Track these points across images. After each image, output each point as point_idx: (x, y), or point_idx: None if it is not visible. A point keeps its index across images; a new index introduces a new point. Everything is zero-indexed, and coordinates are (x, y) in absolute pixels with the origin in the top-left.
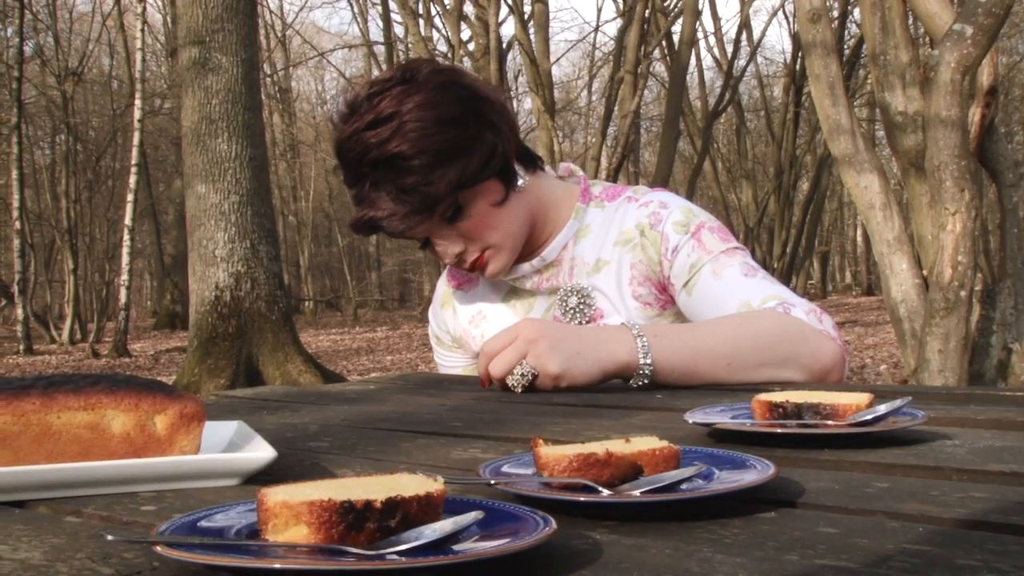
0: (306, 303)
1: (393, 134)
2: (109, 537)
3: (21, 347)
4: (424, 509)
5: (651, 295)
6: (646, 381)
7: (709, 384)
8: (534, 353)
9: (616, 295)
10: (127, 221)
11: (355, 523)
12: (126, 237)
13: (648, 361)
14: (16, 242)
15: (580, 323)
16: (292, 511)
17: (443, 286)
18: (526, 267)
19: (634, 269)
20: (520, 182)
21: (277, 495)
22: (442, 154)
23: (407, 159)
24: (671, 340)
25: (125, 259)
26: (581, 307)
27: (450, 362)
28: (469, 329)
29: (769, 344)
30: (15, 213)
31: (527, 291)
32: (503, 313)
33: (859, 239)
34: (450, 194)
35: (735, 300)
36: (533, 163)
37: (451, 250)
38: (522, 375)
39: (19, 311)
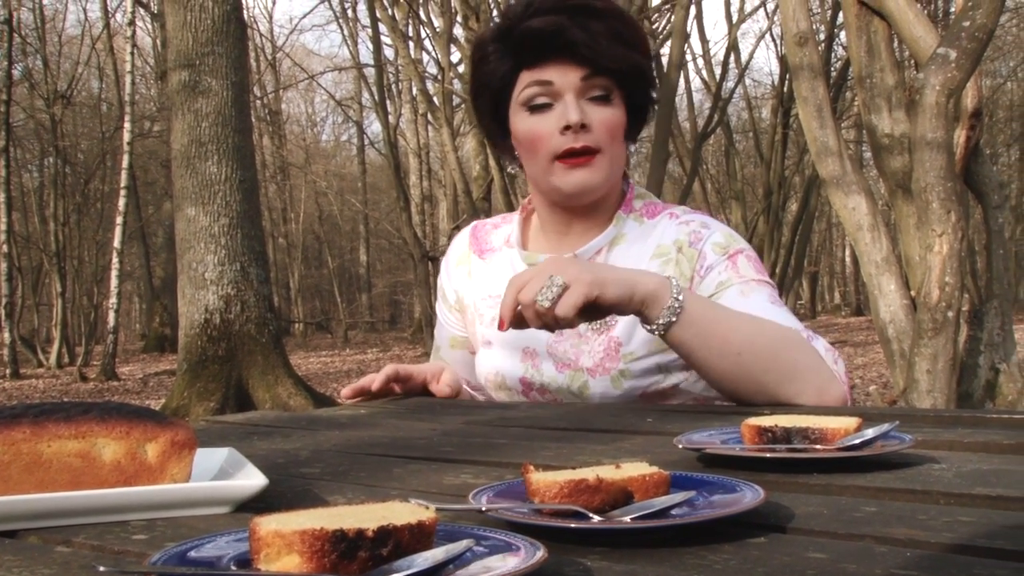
0: (296, 325)
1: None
2: (101, 568)
3: (8, 371)
4: (416, 538)
5: None
6: (673, 319)
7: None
8: (563, 269)
9: None
10: (116, 244)
11: (347, 552)
12: (115, 260)
13: (680, 298)
14: (3, 265)
15: (599, 329)
16: (284, 540)
17: (463, 246)
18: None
19: None
20: (632, 148)
21: (269, 524)
22: (636, 43)
23: (614, 16)
24: (701, 299)
25: (114, 282)
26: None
27: (445, 320)
28: (480, 305)
29: (783, 354)
30: (2, 236)
31: None
32: None
33: (848, 259)
34: (619, 71)
35: None
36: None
37: (577, 116)
38: (550, 287)
39: (6, 335)
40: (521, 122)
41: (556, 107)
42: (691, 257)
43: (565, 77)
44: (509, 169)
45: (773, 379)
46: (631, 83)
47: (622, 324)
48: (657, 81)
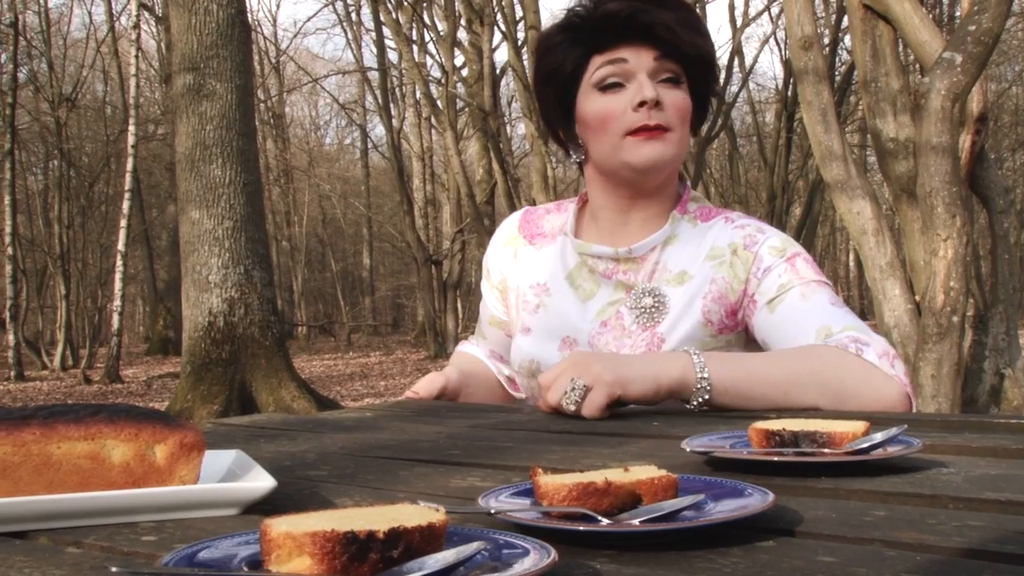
0: (299, 328)
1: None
2: (113, 569)
3: (12, 373)
4: (426, 540)
5: (717, 314)
6: (706, 397)
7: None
8: (585, 370)
9: (685, 305)
10: (120, 246)
11: (358, 554)
12: (119, 262)
13: (706, 375)
14: (8, 268)
15: (645, 325)
16: (295, 542)
17: (512, 228)
18: (608, 250)
19: (713, 284)
20: (691, 142)
21: (280, 526)
22: (705, 33)
23: (683, 7)
24: (727, 361)
25: (118, 284)
26: (652, 311)
27: (487, 298)
28: (527, 293)
29: (826, 375)
30: (7, 239)
31: (596, 273)
32: (565, 291)
33: (852, 264)
34: (689, 57)
35: (816, 322)
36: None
37: (652, 93)
38: (573, 389)
39: (10, 337)
40: (592, 103)
41: (629, 87)
42: (746, 260)
43: (639, 57)
44: (575, 158)
45: (827, 402)
46: (699, 71)
47: (668, 321)
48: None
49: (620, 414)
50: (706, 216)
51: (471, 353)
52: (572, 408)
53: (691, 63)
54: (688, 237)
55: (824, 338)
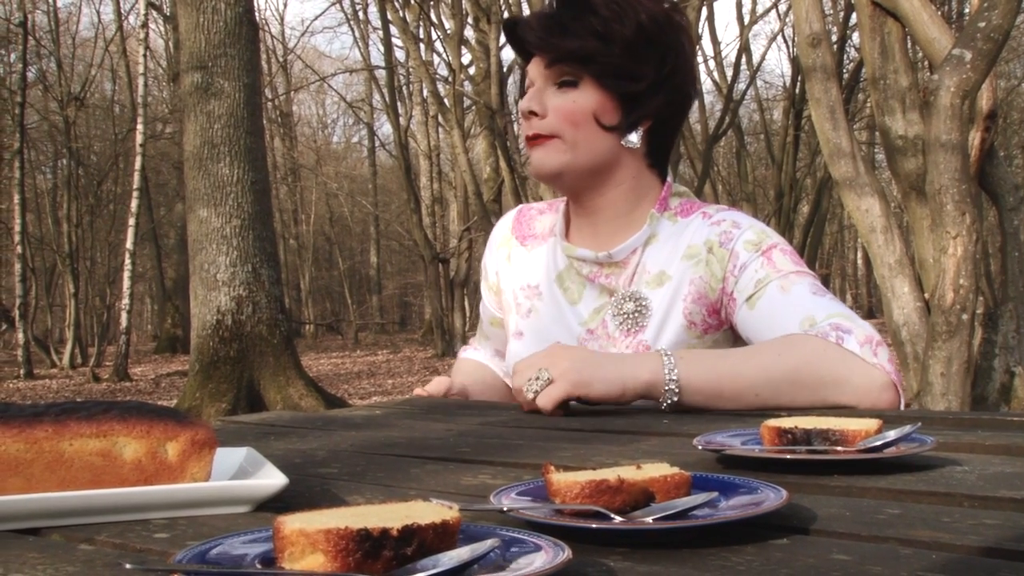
0: (307, 327)
1: None
2: (128, 565)
3: (22, 371)
4: (440, 537)
5: (699, 314)
6: (675, 399)
7: (738, 411)
8: (554, 363)
9: (667, 309)
10: (128, 245)
11: (372, 551)
12: (127, 261)
13: (675, 376)
14: (17, 266)
15: (629, 330)
16: (309, 539)
17: (505, 229)
18: (590, 254)
19: (692, 285)
20: (633, 138)
21: (294, 523)
22: (581, 31)
23: (592, 9)
24: (699, 361)
25: (126, 283)
26: (635, 315)
27: (486, 299)
28: (519, 295)
29: (805, 372)
30: (17, 237)
31: (582, 276)
32: (555, 295)
33: (860, 262)
34: (583, 61)
35: (799, 314)
36: (661, 158)
37: (531, 105)
38: (536, 379)
39: (20, 335)
40: None
41: None
42: (722, 257)
43: (536, 66)
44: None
45: (805, 399)
46: (593, 69)
47: (652, 328)
48: (636, 68)
49: (628, 411)
50: (686, 211)
51: (473, 359)
52: (530, 396)
53: (581, 62)
54: (667, 236)
55: (808, 328)
